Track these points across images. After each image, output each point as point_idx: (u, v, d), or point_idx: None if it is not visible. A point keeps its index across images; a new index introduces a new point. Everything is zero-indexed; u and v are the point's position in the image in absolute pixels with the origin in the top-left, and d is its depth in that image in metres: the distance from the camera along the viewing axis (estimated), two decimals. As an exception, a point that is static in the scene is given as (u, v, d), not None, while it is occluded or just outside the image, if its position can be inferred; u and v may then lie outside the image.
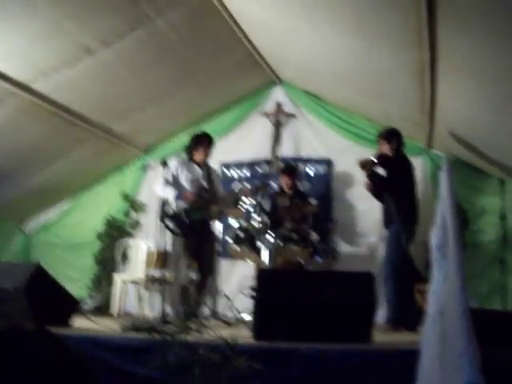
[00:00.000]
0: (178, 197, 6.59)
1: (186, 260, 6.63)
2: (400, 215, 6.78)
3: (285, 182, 8.38)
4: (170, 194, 6.59)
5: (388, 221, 7.04)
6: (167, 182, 6.52)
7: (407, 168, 7.06)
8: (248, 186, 8.07)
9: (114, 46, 6.69)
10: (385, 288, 6.59)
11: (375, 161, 7.00)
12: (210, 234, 7.08)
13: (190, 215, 6.62)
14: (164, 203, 6.61)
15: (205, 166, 7.01)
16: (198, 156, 6.93)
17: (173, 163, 6.81)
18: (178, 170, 6.83)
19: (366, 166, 6.97)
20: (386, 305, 6.61)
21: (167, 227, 6.48)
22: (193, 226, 6.63)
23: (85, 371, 3.33)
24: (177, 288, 6.64)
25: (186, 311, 6.54)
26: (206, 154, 6.95)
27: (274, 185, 8.93)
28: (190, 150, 6.99)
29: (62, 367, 3.15)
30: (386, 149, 7.10)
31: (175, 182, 6.76)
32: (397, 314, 6.67)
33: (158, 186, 6.69)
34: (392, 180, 6.95)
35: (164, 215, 6.55)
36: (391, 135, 7.15)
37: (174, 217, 6.61)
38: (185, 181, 6.81)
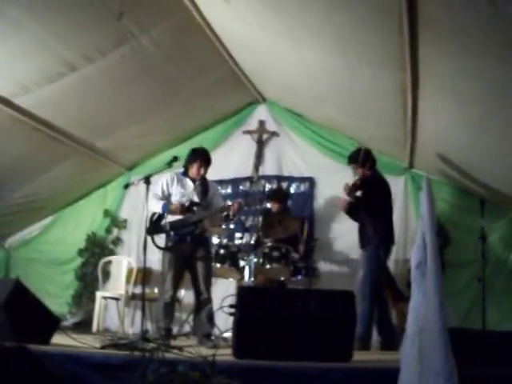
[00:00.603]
0: (165, 209, 6.52)
1: (172, 276, 6.53)
2: (377, 236, 6.79)
3: (273, 207, 8.39)
4: (158, 206, 6.52)
5: (364, 241, 7.05)
6: (156, 196, 6.48)
7: (383, 188, 7.09)
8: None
9: (97, 62, 6.69)
10: (360, 306, 6.56)
11: (359, 184, 7.02)
12: (204, 248, 6.77)
13: (177, 230, 6.56)
14: (152, 218, 6.56)
15: (201, 181, 6.88)
16: (192, 171, 6.84)
17: (164, 178, 6.76)
18: (168, 185, 6.75)
19: (351, 191, 6.99)
20: (358, 323, 6.57)
21: (153, 242, 6.43)
22: (181, 241, 6.56)
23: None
24: (161, 304, 6.55)
25: (166, 328, 6.47)
26: (200, 170, 6.84)
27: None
28: (185, 164, 6.91)
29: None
30: (360, 172, 7.11)
31: (165, 198, 6.68)
32: (366, 334, 6.67)
33: (149, 201, 6.57)
34: (369, 200, 6.97)
35: (151, 230, 6.50)
36: (360, 158, 7.09)
37: (162, 231, 6.57)
38: (174, 196, 6.73)
